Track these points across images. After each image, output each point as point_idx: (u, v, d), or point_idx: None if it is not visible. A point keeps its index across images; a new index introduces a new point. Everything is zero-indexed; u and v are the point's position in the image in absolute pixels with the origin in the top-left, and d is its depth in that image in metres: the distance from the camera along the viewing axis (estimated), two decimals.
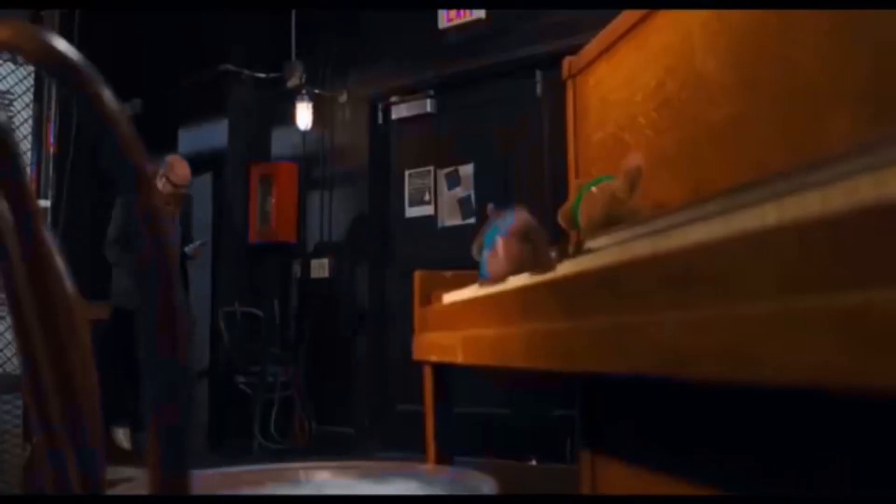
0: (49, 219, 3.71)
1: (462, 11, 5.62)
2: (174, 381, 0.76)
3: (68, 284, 0.93)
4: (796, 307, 0.55)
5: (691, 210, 0.91)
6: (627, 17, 1.78)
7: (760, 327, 0.59)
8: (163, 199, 3.23)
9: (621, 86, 1.82)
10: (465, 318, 1.57)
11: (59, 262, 0.93)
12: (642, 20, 1.72)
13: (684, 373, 0.72)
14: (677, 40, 1.58)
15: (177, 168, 5.36)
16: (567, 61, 2.12)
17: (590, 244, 1.19)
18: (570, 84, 2.11)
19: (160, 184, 5.00)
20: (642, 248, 0.85)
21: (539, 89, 5.45)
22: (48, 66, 0.80)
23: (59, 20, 3.83)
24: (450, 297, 1.84)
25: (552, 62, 5.41)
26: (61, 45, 0.78)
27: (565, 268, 1.05)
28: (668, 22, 1.62)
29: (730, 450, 1.53)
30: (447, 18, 5.71)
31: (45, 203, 3.80)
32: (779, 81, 1.27)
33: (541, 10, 5.20)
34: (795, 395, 0.81)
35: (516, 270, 1.36)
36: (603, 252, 1.01)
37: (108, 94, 0.82)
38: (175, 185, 5.33)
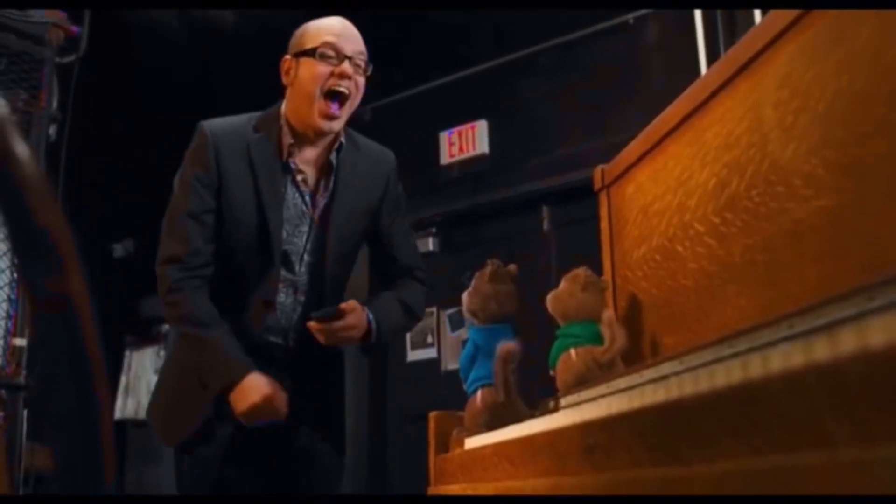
0: (25, 358, 3.40)
1: (464, 147, 5.49)
2: None
3: None
4: None
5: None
6: (675, 111, 1.55)
7: None
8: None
9: (669, 191, 1.58)
10: (497, 465, 1.28)
11: None
12: (694, 113, 1.49)
13: None
14: (742, 129, 1.34)
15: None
16: (599, 170, 1.89)
17: None
18: (603, 196, 1.87)
19: None
20: None
21: (546, 225, 5.26)
22: None
23: (46, 153, 3.64)
24: (474, 442, 1.54)
25: (559, 197, 5.29)
26: None
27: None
28: (728, 110, 1.39)
29: None
30: (449, 155, 5.57)
31: (21, 342, 3.50)
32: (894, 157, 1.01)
33: (545, 145, 5.08)
34: None
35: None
36: None
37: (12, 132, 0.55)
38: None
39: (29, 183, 0.50)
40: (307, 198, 2.08)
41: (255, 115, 2.15)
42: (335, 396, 2.24)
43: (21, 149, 0.52)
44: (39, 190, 0.52)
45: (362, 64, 2.04)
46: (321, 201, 2.10)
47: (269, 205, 2.03)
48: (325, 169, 2.09)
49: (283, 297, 2.09)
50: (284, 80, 2.10)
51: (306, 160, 2.09)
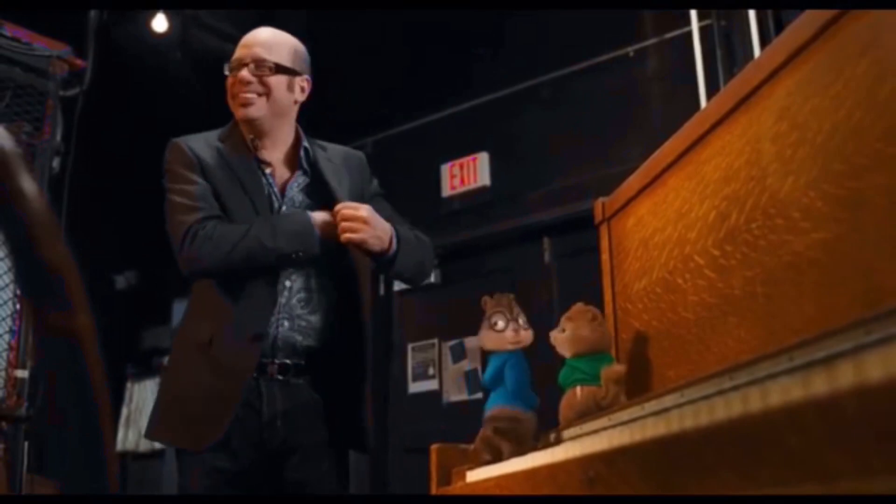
0: (27, 390, 3.39)
1: (465, 179, 5.51)
2: None
3: None
4: None
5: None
6: (674, 144, 1.56)
7: None
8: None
9: (669, 223, 1.59)
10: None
11: None
12: (693, 146, 1.50)
13: None
14: (742, 162, 1.35)
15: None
16: (600, 203, 1.90)
17: None
18: (603, 229, 1.88)
19: None
20: None
21: (547, 256, 5.26)
22: None
23: (49, 185, 3.65)
24: (476, 475, 1.53)
25: (560, 228, 5.31)
26: None
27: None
28: (727, 143, 1.40)
29: None
30: (451, 187, 5.58)
31: (22, 374, 3.49)
32: (893, 190, 1.02)
33: (545, 177, 5.09)
34: None
35: None
36: None
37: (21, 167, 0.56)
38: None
39: (36, 218, 0.51)
40: (274, 187, 2.22)
41: (215, 131, 2.33)
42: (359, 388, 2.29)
43: (28, 184, 0.53)
44: (46, 224, 0.53)
45: (263, 66, 2.18)
46: (291, 187, 2.24)
47: (252, 192, 2.18)
48: (295, 166, 2.25)
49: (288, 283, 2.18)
50: None
51: (274, 159, 2.25)
